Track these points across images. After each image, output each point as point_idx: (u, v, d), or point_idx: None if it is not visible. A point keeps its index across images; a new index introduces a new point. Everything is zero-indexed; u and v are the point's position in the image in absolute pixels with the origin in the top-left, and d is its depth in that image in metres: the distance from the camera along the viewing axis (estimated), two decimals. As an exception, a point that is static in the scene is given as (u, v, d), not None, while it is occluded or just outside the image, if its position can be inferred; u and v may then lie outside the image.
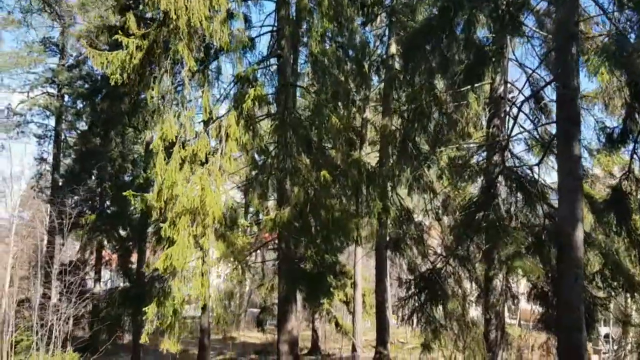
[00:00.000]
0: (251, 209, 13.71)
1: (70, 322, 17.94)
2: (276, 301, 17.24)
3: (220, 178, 11.24)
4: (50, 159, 25.91)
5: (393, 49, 17.64)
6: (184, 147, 11.34)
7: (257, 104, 11.95)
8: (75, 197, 23.80)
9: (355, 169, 12.21)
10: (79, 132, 26.04)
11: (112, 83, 11.39)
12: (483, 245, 12.52)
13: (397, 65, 17.54)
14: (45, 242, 26.60)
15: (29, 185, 28.34)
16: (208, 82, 11.90)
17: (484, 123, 16.20)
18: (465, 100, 12.91)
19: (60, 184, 25.20)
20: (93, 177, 24.98)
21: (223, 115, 11.82)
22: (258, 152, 12.53)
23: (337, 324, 23.80)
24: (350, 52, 16.22)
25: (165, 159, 11.24)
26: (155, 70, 11.78)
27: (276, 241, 14.12)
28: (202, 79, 11.91)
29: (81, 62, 22.63)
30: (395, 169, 16.43)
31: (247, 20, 13.82)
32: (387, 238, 16.80)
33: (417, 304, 10.02)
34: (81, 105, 22.93)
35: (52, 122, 25.38)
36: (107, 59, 11.57)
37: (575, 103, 7.67)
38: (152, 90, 11.49)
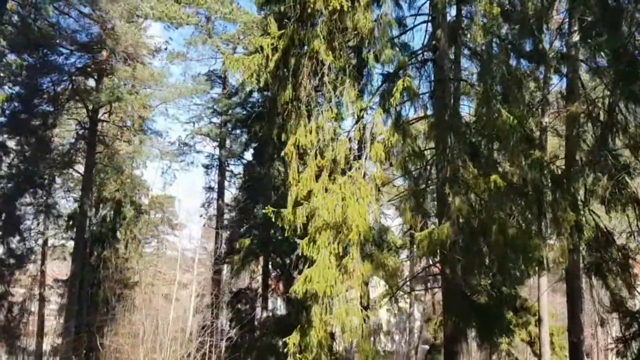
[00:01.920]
0: (406, 227, 11.70)
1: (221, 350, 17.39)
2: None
3: (365, 187, 9.50)
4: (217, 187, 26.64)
5: (575, 37, 14.62)
6: (322, 154, 9.86)
7: (407, 98, 10.11)
8: (244, 226, 24.00)
9: (536, 171, 9.58)
10: (244, 161, 26.52)
11: (248, 89, 10.41)
12: None
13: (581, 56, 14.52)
14: (224, 271, 27.39)
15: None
16: (351, 80, 10.30)
17: None
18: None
19: (225, 211, 25.73)
20: (258, 206, 25.02)
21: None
22: (411, 158, 10.54)
23: (520, 368, 20.54)
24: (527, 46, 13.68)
25: (299, 168, 9.89)
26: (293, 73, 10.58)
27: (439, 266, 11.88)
28: (344, 78, 10.36)
29: (240, 90, 22.92)
30: (587, 179, 13.31)
31: (398, 10, 12.13)
32: (581, 264, 13.51)
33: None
34: (239, 131, 23.14)
35: (217, 151, 26.14)
36: (243, 64, 10.69)
37: None
38: (288, 93, 10.26)
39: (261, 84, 10.51)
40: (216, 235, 25.16)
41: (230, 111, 23.24)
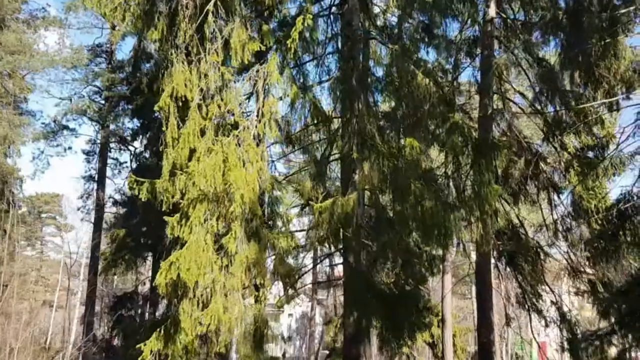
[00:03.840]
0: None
1: None
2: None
3: (255, 149, 7.58)
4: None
5: (492, 11, 13.71)
6: (201, 108, 7.82)
7: (310, 51, 8.35)
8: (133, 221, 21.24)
9: (456, 137, 8.10)
10: (131, 148, 23.63)
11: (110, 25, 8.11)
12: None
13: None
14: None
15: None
16: (242, 20, 8.35)
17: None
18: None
19: (109, 204, 22.71)
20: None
21: (261, 63, 8.24)
22: (312, 117, 8.74)
23: (421, 371, 19.47)
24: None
25: (178, 124, 7.79)
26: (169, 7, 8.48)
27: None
28: (233, 17, 8.40)
29: (126, 65, 20.14)
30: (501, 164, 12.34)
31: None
32: (492, 255, 12.42)
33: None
34: (121, 110, 20.26)
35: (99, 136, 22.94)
36: (105, -3, 8.42)
37: None
38: (161, 31, 8.13)
39: (126, 22, 8.26)
40: (94, 230, 22.10)
41: (114, 88, 20.31)
